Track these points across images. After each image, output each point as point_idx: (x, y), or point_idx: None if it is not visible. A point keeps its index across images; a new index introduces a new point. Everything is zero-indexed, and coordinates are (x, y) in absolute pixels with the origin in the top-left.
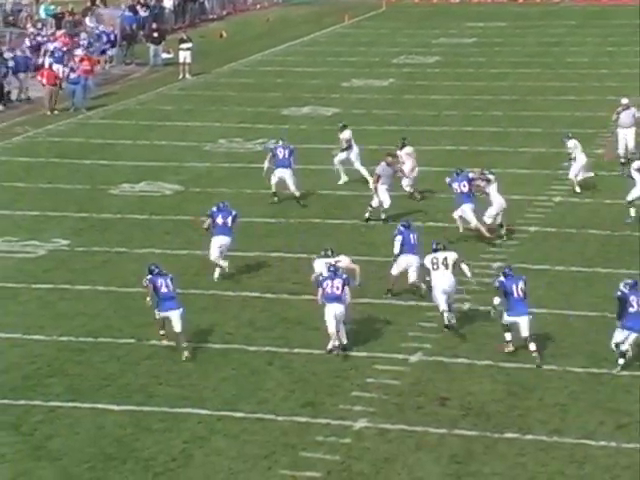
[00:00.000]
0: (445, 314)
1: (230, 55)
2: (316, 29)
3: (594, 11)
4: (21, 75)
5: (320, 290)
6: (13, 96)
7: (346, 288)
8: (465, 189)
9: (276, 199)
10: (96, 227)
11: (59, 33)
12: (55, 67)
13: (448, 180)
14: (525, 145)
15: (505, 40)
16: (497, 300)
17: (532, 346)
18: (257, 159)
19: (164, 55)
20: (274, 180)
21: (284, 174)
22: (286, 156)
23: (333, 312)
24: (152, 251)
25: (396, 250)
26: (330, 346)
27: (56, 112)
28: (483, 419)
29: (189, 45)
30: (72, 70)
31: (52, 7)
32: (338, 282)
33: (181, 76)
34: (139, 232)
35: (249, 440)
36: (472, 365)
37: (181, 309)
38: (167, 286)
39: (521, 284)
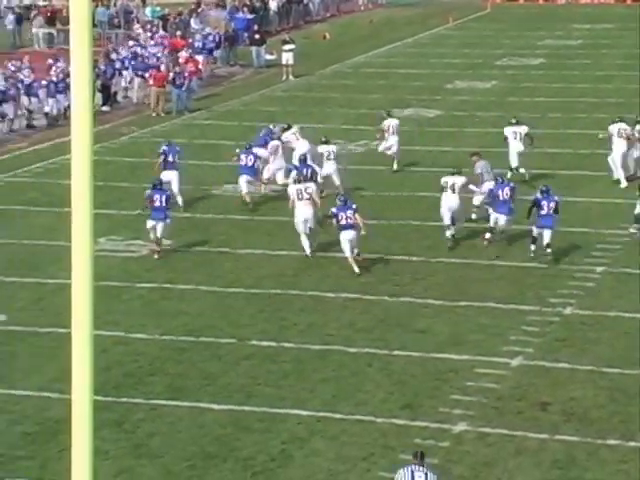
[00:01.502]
0: (449, 230)
1: (333, 57)
2: (420, 31)
3: None
4: (134, 76)
5: (334, 220)
6: (119, 97)
7: (356, 215)
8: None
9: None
10: (198, 227)
11: (160, 34)
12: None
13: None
14: None
15: (612, 42)
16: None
17: (501, 235)
18: (359, 161)
19: (267, 56)
20: None
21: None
22: (260, 134)
23: (348, 237)
24: (252, 251)
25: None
26: (356, 270)
27: (162, 113)
28: (585, 425)
29: (291, 47)
30: (179, 73)
31: (158, 9)
32: (350, 212)
33: (284, 77)
34: (240, 232)
35: (348, 442)
36: (574, 370)
37: (168, 220)
38: (160, 201)
39: (507, 189)
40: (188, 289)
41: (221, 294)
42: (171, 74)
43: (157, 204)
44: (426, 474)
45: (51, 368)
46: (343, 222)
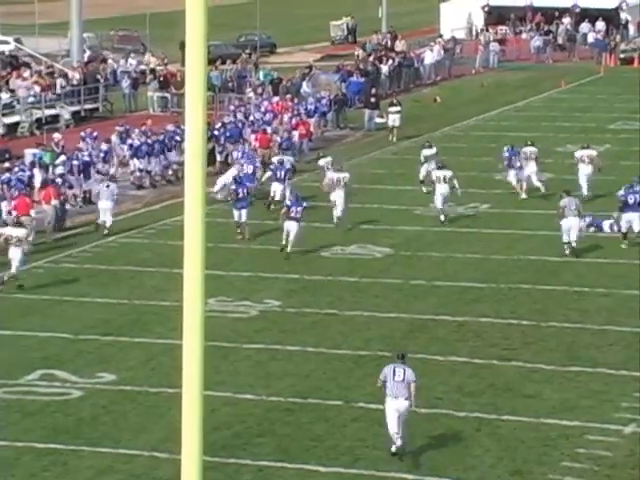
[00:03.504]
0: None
1: (444, 120)
2: (531, 94)
3: None
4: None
5: (285, 209)
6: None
7: (304, 212)
8: None
9: None
10: (307, 288)
11: (270, 100)
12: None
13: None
14: None
15: None
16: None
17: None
18: (469, 223)
19: (377, 120)
20: None
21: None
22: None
23: (289, 228)
24: (361, 313)
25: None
26: (284, 242)
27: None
28: None
29: (397, 109)
30: (287, 134)
31: (271, 72)
32: (299, 208)
33: (395, 140)
34: (349, 294)
35: None
36: None
37: (247, 208)
38: (243, 193)
39: (637, 196)
40: (296, 350)
41: (329, 356)
42: (278, 138)
43: (240, 195)
44: (404, 370)
45: (160, 428)
46: (292, 214)
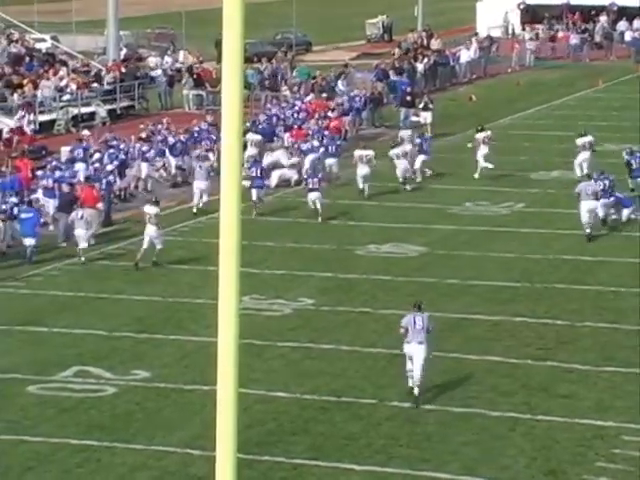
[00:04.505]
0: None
1: (479, 118)
2: (568, 93)
3: None
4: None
5: (305, 183)
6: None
7: (322, 182)
8: None
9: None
10: (341, 287)
11: (299, 103)
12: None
13: None
14: None
15: None
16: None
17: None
18: (504, 223)
19: (413, 118)
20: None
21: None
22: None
23: (312, 198)
24: (395, 312)
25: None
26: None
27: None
28: None
29: (429, 106)
30: (318, 132)
31: (306, 70)
32: (316, 179)
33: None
34: (383, 293)
35: None
36: None
37: (264, 187)
38: (257, 172)
39: (606, 182)
40: (330, 349)
41: (363, 354)
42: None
43: (255, 175)
44: (423, 318)
45: (194, 425)
46: (310, 186)
